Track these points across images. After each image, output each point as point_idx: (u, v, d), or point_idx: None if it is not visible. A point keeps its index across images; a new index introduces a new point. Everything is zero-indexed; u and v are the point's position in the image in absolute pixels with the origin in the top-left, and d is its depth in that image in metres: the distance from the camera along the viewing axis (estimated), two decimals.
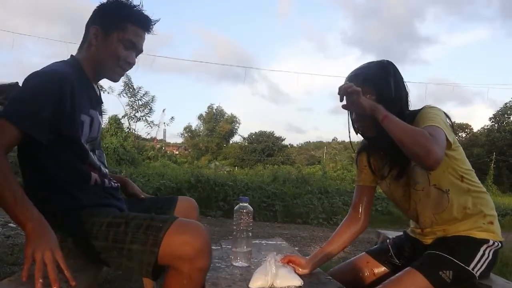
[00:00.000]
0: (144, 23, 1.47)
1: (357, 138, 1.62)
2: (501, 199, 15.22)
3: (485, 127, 37.75)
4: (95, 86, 1.52)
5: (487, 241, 1.43)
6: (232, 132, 42.77)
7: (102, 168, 1.48)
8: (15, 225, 4.38)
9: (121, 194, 1.61)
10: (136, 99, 20.97)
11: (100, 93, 1.57)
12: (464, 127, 38.98)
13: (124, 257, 1.22)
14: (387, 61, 1.49)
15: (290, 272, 1.34)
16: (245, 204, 1.50)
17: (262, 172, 14.42)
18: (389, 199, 1.67)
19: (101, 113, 1.54)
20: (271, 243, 1.93)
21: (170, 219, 1.23)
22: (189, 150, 41.94)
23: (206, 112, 43.03)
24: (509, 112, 35.26)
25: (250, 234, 1.50)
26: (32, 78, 1.27)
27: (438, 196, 1.46)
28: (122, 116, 19.45)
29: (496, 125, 36.35)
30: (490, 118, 37.36)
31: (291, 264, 1.43)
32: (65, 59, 1.46)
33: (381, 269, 1.65)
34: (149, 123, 21.77)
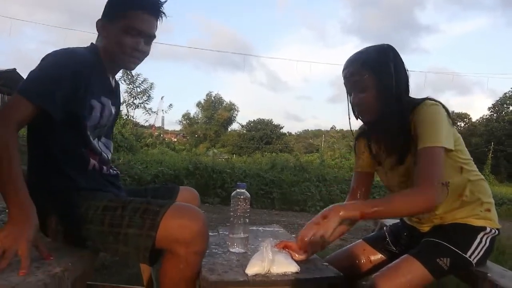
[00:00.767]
0: (148, 7, 1.41)
1: (356, 125, 1.60)
2: (498, 189, 15.30)
3: (484, 117, 37.81)
4: (111, 77, 1.50)
5: (484, 228, 1.43)
6: (230, 120, 42.78)
7: (104, 154, 1.47)
8: None
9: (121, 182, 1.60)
10: (134, 86, 20.89)
11: (116, 86, 1.56)
12: (463, 116, 39.03)
13: (120, 242, 1.22)
14: (387, 45, 1.46)
15: (287, 258, 1.34)
16: (242, 190, 1.49)
17: (260, 160, 14.43)
18: (385, 187, 1.65)
19: (116, 104, 1.53)
20: (269, 229, 1.93)
21: (168, 203, 1.23)
22: (187, 137, 41.96)
23: (204, 99, 43.01)
24: (508, 102, 35.29)
25: (247, 220, 1.49)
26: (52, 56, 1.29)
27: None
28: (121, 103, 19.39)
29: (495, 115, 36.39)
30: (489, 108, 37.43)
31: (287, 250, 1.43)
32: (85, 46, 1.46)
33: (377, 256, 1.65)
34: (147, 110, 21.71)
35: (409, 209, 1.33)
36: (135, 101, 20.88)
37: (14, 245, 1.05)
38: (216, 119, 41.29)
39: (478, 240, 1.41)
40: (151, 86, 21.56)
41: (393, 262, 1.37)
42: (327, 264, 1.40)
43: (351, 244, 1.71)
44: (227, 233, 1.55)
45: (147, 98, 21.55)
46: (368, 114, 1.46)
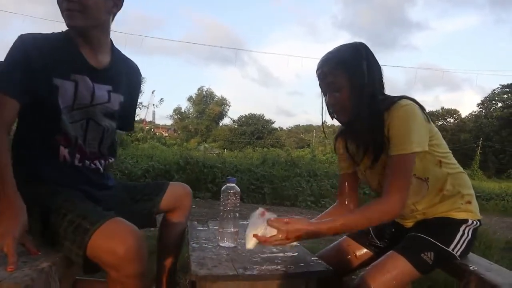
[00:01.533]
0: None
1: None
2: (486, 184, 15.47)
3: (473, 113, 38.21)
4: (90, 55, 1.40)
5: (466, 221, 1.45)
6: (221, 115, 42.70)
7: (79, 142, 1.39)
8: None
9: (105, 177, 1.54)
10: None
11: (114, 68, 1.47)
12: (452, 112, 39.39)
13: (61, 248, 1.19)
14: (360, 43, 1.45)
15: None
16: (232, 185, 1.49)
17: (252, 155, 14.42)
18: (368, 186, 1.65)
19: (101, 81, 1.42)
20: None
21: (102, 219, 1.16)
22: (179, 132, 41.81)
23: (196, 94, 42.87)
24: (496, 98, 35.65)
25: (237, 214, 1.49)
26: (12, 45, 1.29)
27: (417, 185, 1.45)
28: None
29: (483, 111, 36.76)
30: (478, 104, 37.84)
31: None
32: None
33: (363, 251, 1.64)
34: (138, 105, 21.58)
35: (372, 222, 1.38)
36: None
37: (11, 243, 1.05)
38: (207, 114, 41.19)
39: (460, 232, 1.43)
40: (142, 80, 21.41)
41: (379, 260, 1.38)
42: (316, 258, 1.41)
43: (336, 241, 1.70)
44: (217, 227, 1.55)
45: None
46: (343, 114, 1.46)
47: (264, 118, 42.14)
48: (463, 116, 39.20)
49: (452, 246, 1.40)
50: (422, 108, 1.40)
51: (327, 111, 1.51)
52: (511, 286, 1.28)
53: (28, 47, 1.27)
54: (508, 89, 34.31)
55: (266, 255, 1.40)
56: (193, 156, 9.12)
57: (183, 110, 44.04)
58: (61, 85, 1.31)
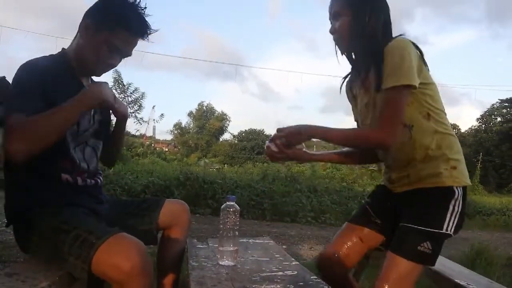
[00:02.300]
0: (138, 30, 1.44)
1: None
2: (487, 199, 15.39)
3: (473, 128, 38.20)
4: (84, 81, 1.50)
5: (452, 193, 1.41)
6: (222, 130, 42.71)
7: (83, 164, 1.44)
8: None
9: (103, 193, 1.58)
10: (126, 95, 20.86)
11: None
12: (452, 127, 39.38)
13: (64, 265, 1.20)
14: None
15: None
16: (232, 203, 1.49)
17: (252, 170, 14.41)
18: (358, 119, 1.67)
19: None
20: (259, 242, 1.93)
21: (107, 234, 1.17)
22: (179, 147, 41.76)
23: (196, 109, 42.98)
24: (496, 113, 35.71)
25: (237, 233, 1.49)
26: (19, 71, 1.31)
27: None
28: None
29: (483, 125, 36.79)
30: (478, 119, 37.83)
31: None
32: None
33: (366, 232, 1.64)
34: (138, 120, 21.68)
35: (366, 143, 1.45)
36: None
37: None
38: (207, 129, 41.21)
39: (450, 209, 1.40)
40: (143, 95, 21.54)
41: (383, 269, 1.39)
42: (316, 277, 1.41)
43: (340, 231, 1.70)
44: (217, 245, 1.55)
45: (138, 107, 21.54)
46: (342, 42, 1.53)
47: (265, 133, 42.11)
48: (462, 130, 39.23)
49: (445, 227, 1.39)
50: (418, 49, 1.44)
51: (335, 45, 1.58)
52: None
53: (37, 74, 1.30)
54: (507, 104, 34.38)
55: (266, 274, 1.40)
56: (193, 171, 9.11)
57: (183, 125, 44.13)
58: None
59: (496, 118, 35.76)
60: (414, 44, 1.42)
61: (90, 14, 1.43)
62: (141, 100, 21.75)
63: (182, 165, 14.49)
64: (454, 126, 39.00)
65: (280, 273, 1.42)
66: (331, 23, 1.56)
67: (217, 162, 29.02)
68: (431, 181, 1.43)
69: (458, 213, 1.41)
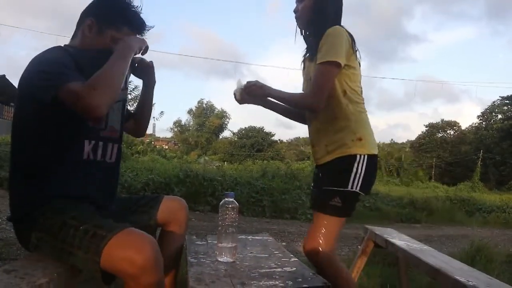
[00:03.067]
0: (140, 29, 1.54)
1: None
2: (487, 196, 15.39)
3: (473, 125, 38.22)
4: None
5: (354, 158, 1.68)
6: (222, 127, 42.74)
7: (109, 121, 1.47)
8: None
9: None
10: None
11: None
12: (452, 124, 39.39)
13: (73, 260, 1.20)
14: None
15: None
16: (231, 199, 1.49)
17: (251, 168, 14.40)
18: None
19: None
20: (257, 238, 1.92)
21: (117, 228, 1.18)
22: (179, 144, 41.79)
23: (196, 106, 42.96)
24: (496, 110, 35.69)
25: (235, 229, 1.49)
26: (46, 55, 1.33)
27: None
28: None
29: (484, 123, 36.78)
30: (478, 116, 37.85)
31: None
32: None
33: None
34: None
35: (300, 104, 1.79)
36: None
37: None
38: (207, 127, 41.23)
39: (354, 171, 1.68)
40: (131, 88, 21.47)
41: (310, 227, 1.75)
42: (314, 273, 1.40)
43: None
44: (216, 242, 1.55)
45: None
46: (302, 22, 1.83)
47: (264, 130, 42.16)
48: (463, 128, 39.24)
49: (349, 185, 1.67)
50: (351, 37, 1.71)
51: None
52: None
53: (67, 54, 1.33)
54: (508, 101, 34.35)
55: (264, 271, 1.39)
56: (193, 169, 9.10)
57: (183, 122, 44.15)
58: None
59: (497, 115, 35.73)
60: (348, 32, 1.70)
61: (91, 12, 1.46)
62: (127, 93, 21.68)
63: (182, 162, 14.48)
64: (455, 124, 39.09)
65: (279, 269, 1.42)
66: (296, 3, 1.82)
67: (217, 160, 29.01)
68: (340, 151, 1.70)
69: (362, 174, 1.68)
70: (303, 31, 1.88)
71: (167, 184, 7.97)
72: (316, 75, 1.65)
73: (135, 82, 21.43)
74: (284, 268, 1.43)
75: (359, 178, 1.68)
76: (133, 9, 1.51)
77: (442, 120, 39.97)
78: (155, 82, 1.74)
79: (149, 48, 1.50)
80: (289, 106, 1.92)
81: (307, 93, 1.76)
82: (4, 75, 19.39)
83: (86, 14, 1.47)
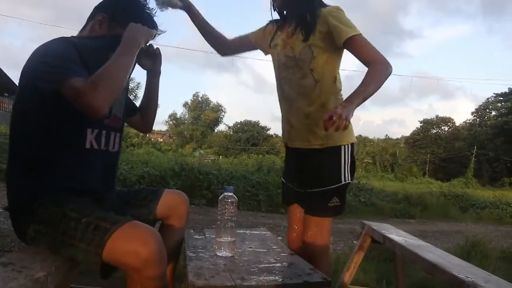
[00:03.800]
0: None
1: None
2: (481, 192, 15.52)
3: (467, 121, 38.42)
4: None
5: (341, 149, 1.69)
6: (217, 121, 42.72)
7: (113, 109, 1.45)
8: None
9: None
10: None
11: None
12: (447, 120, 39.57)
13: (74, 252, 1.19)
14: None
15: None
16: (230, 194, 1.48)
17: (247, 162, 14.43)
18: (274, 70, 1.85)
19: None
20: (255, 233, 1.92)
21: (121, 221, 1.17)
22: (174, 138, 41.72)
23: (191, 100, 42.84)
24: (490, 107, 35.89)
25: (234, 224, 1.48)
26: (53, 45, 1.29)
27: (305, 76, 1.67)
28: None
29: (478, 119, 36.98)
30: (472, 113, 38.04)
31: None
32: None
33: (297, 207, 1.86)
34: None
35: (385, 78, 1.53)
36: None
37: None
38: (203, 120, 41.20)
39: (342, 162, 1.69)
40: (138, 85, 21.43)
41: (305, 231, 1.72)
42: (313, 268, 1.40)
43: (289, 222, 1.93)
44: (214, 236, 1.54)
45: (133, 97, 21.44)
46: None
47: (260, 124, 42.14)
48: (457, 124, 39.44)
49: (342, 178, 1.68)
50: None
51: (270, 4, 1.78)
52: None
53: (74, 46, 1.29)
54: (501, 98, 34.55)
55: (264, 265, 1.38)
56: (188, 162, 9.10)
57: (178, 116, 44.06)
58: None
59: (491, 112, 35.93)
60: None
61: (104, 8, 1.45)
62: (136, 90, 21.65)
63: (177, 156, 14.45)
64: (449, 120, 39.29)
65: (278, 264, 1.41)
66: None
67: (212, 153, 29.02)
68: (323, 141, 1.68)
69: (349, 163, 1.70)
70: (277, 8, 1.79)
71: (162, 177, 7.96)
72: (361, 47, 1.56)
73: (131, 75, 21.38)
74: (283, 263, 1.43)
75: (347, 168, 1.70)
76: (147, 11, 1.50)
77: (437, 116, 40.18)
78: (160, 72, 1.68)
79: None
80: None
81: (382, 63, 1.53)
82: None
83: (99, 9, 1.45)
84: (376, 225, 2.52)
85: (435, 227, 7.89)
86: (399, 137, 43.61)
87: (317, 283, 1.27)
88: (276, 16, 1.82)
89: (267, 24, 1.87)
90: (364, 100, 1.47)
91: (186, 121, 43.38)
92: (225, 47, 1.93)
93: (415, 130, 40.00)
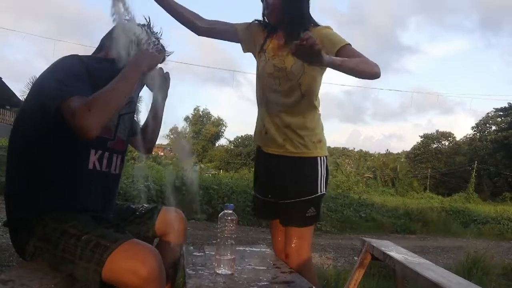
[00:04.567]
0: None
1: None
2: (482, 207, 15.44)
3: (468, 136, 38.39)
4: None
5: (318, 162, 1.76)
6: (218, 135, 42.73)
7: (118, 132, 1.46)
8: None
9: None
10: None
11: None
12: (447, 135, 39.56)
13: (73, 269, 1.19)
14: None
15: None
16: (230, 211, 1.48)
17: (247, 176, 14.38)
18: (257, 76, 1.87)
19: None
20: (255, 250, 1.92)
21: (121, 239, 1.18)
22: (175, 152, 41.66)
23: (192, 114, 42.94)
24: (490, 121, 35.90)
25: (234, 241, 1.48)
26: (64, 62, 1.32)
27: (292, 88, 1.73)
28: None
29: (478, 134, 36.96)
30: (473, 127, 38.04)
31: None
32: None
33: (276, 220, 1.90)
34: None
35: (363, 72, 1.55)
36: None
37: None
38: (203, 134, 41.22)
39: (319, 174, 1.76)
40: (139, 99, 21.49)
41: (286, 246, 1.77)
42: (312, 286, 1.40)
43: (272, 234, 1.98)
44: (214, 253, 1.54)
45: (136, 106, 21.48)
46: (274, 16, 1.74)
47: None
48: (457, 139, 39.41)
49: (319, 190, 1.75)
50: None
51: (262, 14, 1.82)
52: None
53: (85, 65, 1.32)
54: (501, 112, 34.59)
55: (264, 284, 1.38)
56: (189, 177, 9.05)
57: (179, 130, 44.14)
58: None
59: (491, 126, 35.93)
60: None
61: (109, 40, 1.47)
62: (137, 104, 21.71)
63: (178, 170, 14.41)
64: (449, 134, 39.27)
65: (278, 282, 1.41)
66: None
67: (212, 167, 28.98)
68: (300, 151, 1.75)
69: (324, 175, 1.78)
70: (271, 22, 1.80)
71: (162, 192, 7.93)
72: (356, 51, 1.61)
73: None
74: (283, 281, 1.43)
75: (323, 179, 1.77)
76: (153, 36, 1.52)
77: (437, 131, 40.17)
78: (167, 96, 1.68)
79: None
80: (355, 75, 1.64)
81: (372, 62, 1.58)
82: (0, 78, 19.34)
83: (106, 40, 1.49)
84: (376, 242, 2.51)
85: (436, 242, 7.83)
86: (399, 152, 43.59)
87: None
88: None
89: (252, 22, 1.88)
90: (338, 66, 1.48)
91: (187, 135, 43.44)
92: (202, 27, 1.86)
93: (415, 145, 39.95)
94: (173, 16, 1.83)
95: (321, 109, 1.85)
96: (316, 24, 1.76)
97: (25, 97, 1.39)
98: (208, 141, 41.38)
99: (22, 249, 1.31)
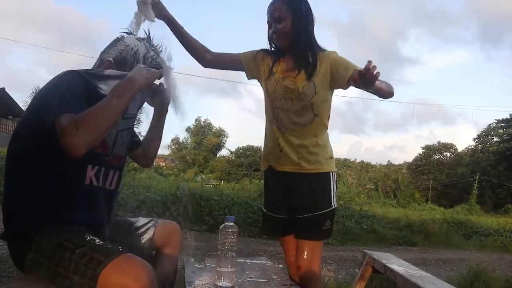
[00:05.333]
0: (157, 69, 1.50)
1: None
2: (484, 219, 15.36)
3: (469, 147, 38.33)
4: None
5: (330, 177, 1.84)
6: (219, 146, 42.72)
7: (116, 149, 1.44)
8: None
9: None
10: None
11: None
12: (448, 146, 39.49)
13: (68, 284, 1.17)
14: None
15: None
16: (231, 224, 1.49)
17: (249, 187, 14.38)
18: (267, 97, 1.92)
19: None
20: (256, 262, 1.92)
21: (115, 253, 1.16)
22: (176, 162, 41.73)
23: (193, 124, 43.01)
24: (492, 133, 35.86)
25: (235, 254, 1.48)
26: (64, 77, 1.31)
27: (305, 108, 1.80)
28: None
29: (480, 145, 36.90)
30: (474, 139, 37.96)
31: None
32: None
33: (290, 236, 1.93)
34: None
35: (391, 91, 1.74)
36: None
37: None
38: (205, 145, 41.23)
39: (332, 188, 1.84)
40: (140, 110, 21.56)
41: (299, 255, 1.80)
42: None
43: (285, 250, 2.01)
44: (214, 265, 1.54)
45: (136, 122, 21.54)
46: (283, 41, 1.82)
47: (262, 150, 42.12)
48: (459, 150, 39.33)
49: (333, 203, 1.83)
50: None
51: (268, 40, 1.89)
52: None
53: (84, 81, 1.31)
54: (503, 124, 34.56)
55: None
56: (190, 188, 9.06)
57: (181, 140, 44.16)
58: None
59: (493, 138, 35.88)
60: None
61: (112, 54, 1.48)
62: (138, 115, 21.75)
63: (179, 180, 14.43)
64: (451, 146, 39.21)
65: None
66: (270, 25, 1.83)
67: (214, 178, 28.94)
68: (315, 167, 1.81)
69: (335, 190, 1.86)
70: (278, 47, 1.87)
71: (163, 203, 7.91)
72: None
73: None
74: None
75: (335, 193, 1.85)
76: (152, 50, 1.52)
77: (439, 142, 40.11)
78: (167, 110, 1.67)
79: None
80: (384, 96, 1.79)
81: (389, 83, 1.74)
82: (3, 88, 19.47)
83: (106, 54, 1.49)
84: (377, 255, 2.51)
85: (438, 255, 7.79)
86: (401, 163, 43.48)
87: None
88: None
89: (258, 51, 1.95)
90: (379, 89, 1.67)
91: (188, 146, 43.46)
92: (208, 60, 1.93)
93: (417, 156, 39.88)
94: (184, 46, 1.90)
95: None
96: (321, 48, 1.83)
97: (26, 107, 1.39)
98: (210, 151, 41.38)
99: (21, 263, 1.31)
